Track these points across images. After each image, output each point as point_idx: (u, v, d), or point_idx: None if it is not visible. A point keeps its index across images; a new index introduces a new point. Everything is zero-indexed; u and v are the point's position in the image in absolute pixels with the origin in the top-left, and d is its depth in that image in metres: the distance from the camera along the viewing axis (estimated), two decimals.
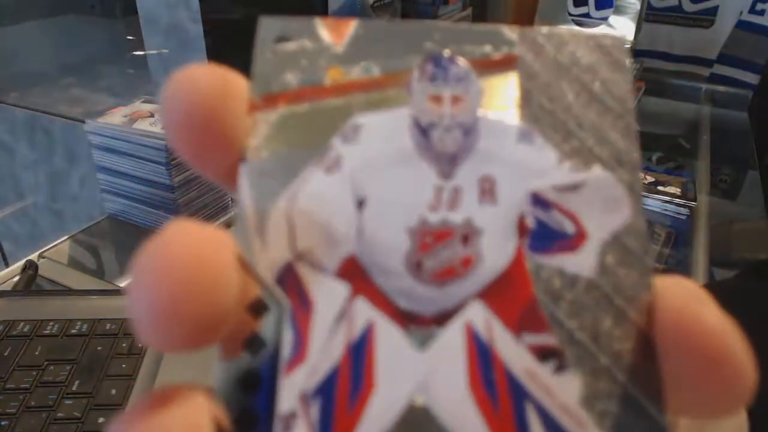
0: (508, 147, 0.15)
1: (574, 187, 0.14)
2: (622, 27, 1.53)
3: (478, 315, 0.14)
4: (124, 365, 0.54)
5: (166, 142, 0.74)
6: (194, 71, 0.14)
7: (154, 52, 1.31)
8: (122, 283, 0.76)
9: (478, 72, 0.15)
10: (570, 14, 1.52)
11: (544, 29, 0.16)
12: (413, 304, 0.14)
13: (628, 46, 0.19)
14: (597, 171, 0.15)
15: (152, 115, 0.83)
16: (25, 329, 0.57)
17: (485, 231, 0.14)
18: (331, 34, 0.16)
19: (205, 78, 0.14)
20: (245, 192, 0.14)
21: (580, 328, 0.13)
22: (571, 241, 0.14)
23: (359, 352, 0.13)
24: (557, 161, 0.15)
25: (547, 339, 0.13)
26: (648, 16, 1.55)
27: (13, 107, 1.59)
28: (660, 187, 0.97)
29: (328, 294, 0.14)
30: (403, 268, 0.14)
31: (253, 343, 0.13)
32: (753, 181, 1.11)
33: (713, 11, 1.49)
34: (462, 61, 0.15)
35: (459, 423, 0.13)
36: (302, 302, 0.13)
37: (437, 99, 0.15)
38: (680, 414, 0.13)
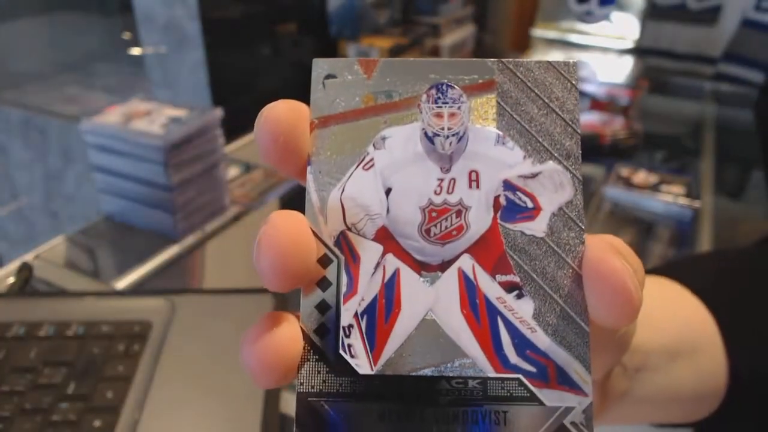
0: (488, 148, 0.21)
1: (533, 176, 0.21)
2: (625, 24, 1.53)
3: (466, 263, 0.21)
4: (120, 368, 0.53)
5: (163, 143, 0.73)
6: (276, 106, 0.21)
7: (151, 50, 1.29)
8: (119, 285, 0.75)
9: (468, 94, 0.21)
10: (572, 11, 1.51)
11: (516, 61, 0.22)
12: (424, 257, 0.21)
13: (579, 68, 0.23)
14: (550, 164, 0.21)
15: (149, 114, 0.82)
16: (20, 331, 0.56)
17: (472, 207, 0.21)
18: (364, 70, 0.22)
19: (282, 110, 0.21)
20: (311, 185, 0.21)
21: (534, 270, 0.20)
22: (530, 213, 0.21)
23: (390, 287, 0.20)
24: (522, 157, 0.21)
25: (512, 278, 0.20)
26: (652, 13, 1.55)
27: (8, 106, 1.58)
28: (664, 187, 0.96)
29: (368, 251, 0.21)
30: (417, 233, 0.21)
31: (323, 283, 0.20)
32: (758, 180, 1.10)
33: (717, 9, 1.49)
34: (456, 87, 0.21)
35: (454, 330, 0.20)
36: (353, 257, 0.21)
37: (439, 115, 0.21)
38: (597, 323, 0.20)
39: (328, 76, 0.22)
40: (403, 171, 0.21)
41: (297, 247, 0.19)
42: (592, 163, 1.08)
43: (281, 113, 0.21)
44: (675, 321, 0.34)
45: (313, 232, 0.20)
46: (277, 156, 0.21)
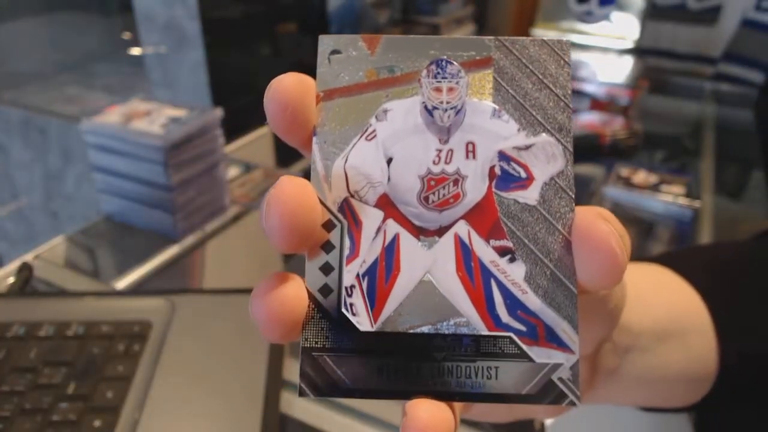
0: (484, 121, 0.22)
1: (527, 147, 0.22)
2: (625, 24, 1.53)
3: (462, 229, 0.22)
4: (120, 367, 0.53)
5: (163, 143, 0.73)
6: (284, 78, 0.22)
7: (151, 50, 1.29)
8: (119, 285, 0.75)
9: (466, 70, 0.23)
10: (572, 11, 1.51)
11: (512, 38, 0.23)
12: (423, 222, 0.22)
13: (571, 46, 0.24)
14: (543, 136, 0.22)
15: (149, 114, 0.82)
16: (20, 331, 0.56)
17: (468, 177, 0.22)
18: (367, 46, 0.23)
19: (290, 83, 0.22)
20: (316, 155, 0.22)
21: (526, 236, 0.22)
22: (524, 182, 0.22)
23: (390, 251, 0.22)
24: (517, 130, 0.22)
25: (505, 242, 0.22)
26: (652, 13, 1.55)
27: (8, 106, 1.58)
28: (664, 187, 0.96)
29: (370, 217, 0.22)
30: (416, 201, 0.22)
31: (327, 246, 0.22)
32: (758, 180, 1.10)
33: (717, 9, 1.48)
34: (455, 63, 0.23)
35: (450, 291, 0.21)
36: (355, 222, 0.22)
37: (438, 89, 0.22)
38: (585, 286, 0.21)
39: (333, 52, 0.23)
40: (403, 142, 0.22)
41: (303, 208, 0.20)
42: (592, 163, 1.08)
43: (289, 86, 0.22)
44: (667, 305, 0.35)
45: (319, 198, 0.21)
46: (284, 126, 0.22)
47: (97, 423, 0.49)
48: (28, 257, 0.78)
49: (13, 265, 0.75)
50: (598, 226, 0.21)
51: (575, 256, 0.21)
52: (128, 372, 0.53)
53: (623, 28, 1.56)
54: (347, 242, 0.22)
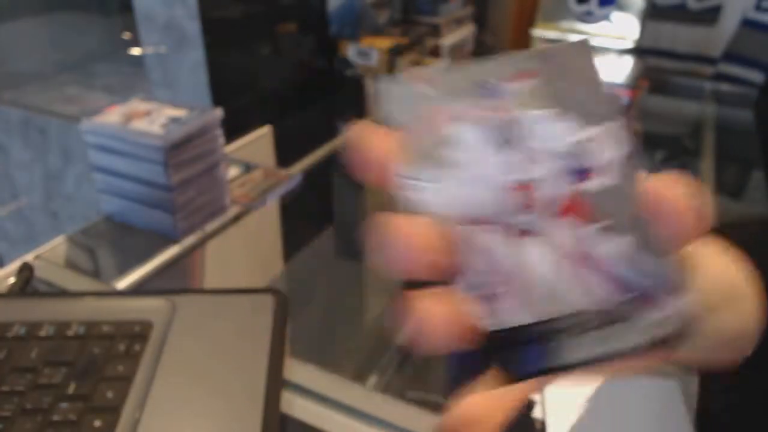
0: (544, 127, 0.24)
1: (590, 140, 0.24)
2: (625, 24, 1.53)
3: (559, 222, 0.24)
4: (120, 367, 0.53)
5: (163, 143, 0.73)
6: (369, 137, 0.24)
7: (151, 50, 1.29)
8: (119, 285, 0.75)
9: (515, 83, 0.25)
10: (572, 11, 1.51)
11: (544, 48, 0.26)
12: (523, 226, 0.24)
13: (590, 44, 0.27)
14: (599, 126, 0.25)
15: (149, 114, 0.82)
16: (21, 331, 0.56)
17: (549, 179, 0.24)
18: (423, 82, 0.26)
19: (376, 141, 0.24)
20: (409, 193, 0.24)
21: (614, 214, 0.24)
22: (595, 170, 0.24)
23: (505, 257, 0.24)
24: (575, 127, 0.25)
25: (598, 224, 0.24)
26: (652, 13, 1.55)
27: (8, 106, 1.58)
28: None
29: (478, 234, 0.24)
30: (512, 210, 0.24)
31: (457, 268, 0.24)
32: (758, 180, 1.10)
33: (717, 9, 1.48)
34: (503, 82, 0.25)
35: (563, 277, 0.24)
36: (468, 244, 0.24)
37: (493, 109, 0.25)
38: (674, 244, 0.24)
39: (392, 92, 0.25)
40: (479, 164, 0.24)
41: (422, 250, 0.23)
42: None
43: (376, 144, 0.24)
44: (721, 271, 0.37)
45: (431, 231, 0.23)
46: (375, 179, 0.25)
47: (97, 423, 0.49)
48: (28, 257, 0.78)
49: (14, 265, 0.75)
50: (668, 189, 0.23)
51: (661, 222, 0.23)
52: (129, 372, 0.53)
53: (623, 28, 1.56)
54: (476, 260, 0.23)
